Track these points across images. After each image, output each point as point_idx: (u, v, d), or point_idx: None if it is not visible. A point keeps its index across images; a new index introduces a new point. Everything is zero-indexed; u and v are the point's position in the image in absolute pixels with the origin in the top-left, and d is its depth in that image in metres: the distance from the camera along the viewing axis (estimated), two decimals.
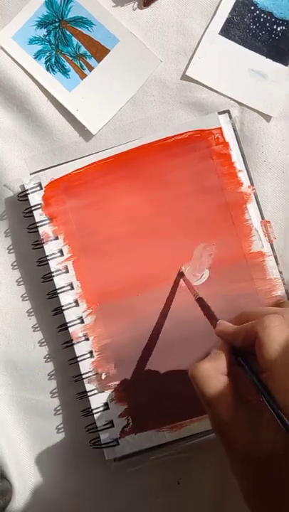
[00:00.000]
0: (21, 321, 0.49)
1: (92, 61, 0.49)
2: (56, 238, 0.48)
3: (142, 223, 0.48)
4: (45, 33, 0.49)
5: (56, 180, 0.48)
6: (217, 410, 0.34)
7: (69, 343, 0.47)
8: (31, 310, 0.49)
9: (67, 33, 0.49)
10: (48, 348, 0.49)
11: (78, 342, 0.47)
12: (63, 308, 0.47)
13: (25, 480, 0.48)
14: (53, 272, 0.47)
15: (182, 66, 0.49)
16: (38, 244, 0.48)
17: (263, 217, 0.47)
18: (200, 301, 0.43)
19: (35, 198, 0.48)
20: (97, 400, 0.47)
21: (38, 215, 0.48)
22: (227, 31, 0.48)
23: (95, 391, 0.47)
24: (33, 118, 0.49)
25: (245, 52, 0.48)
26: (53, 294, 0.47)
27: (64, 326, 0.47)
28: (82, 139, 0.49)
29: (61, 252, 0.48)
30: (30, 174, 0.48)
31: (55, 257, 0.48)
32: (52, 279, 0.47)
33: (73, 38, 0.49)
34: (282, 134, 0.48)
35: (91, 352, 0.47)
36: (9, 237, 0.50)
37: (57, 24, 0.49)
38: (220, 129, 0.47)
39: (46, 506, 0.48)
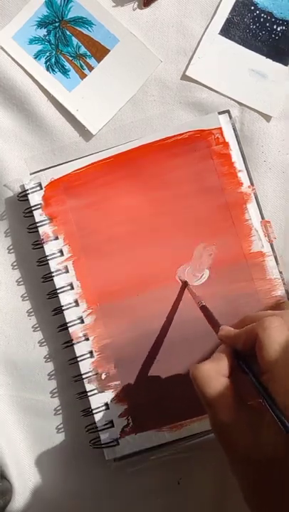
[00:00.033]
0: (21, 321, 0.49)
1: (92, 61, 0.49)
2: (56, 238, 0.48)
3: (142, 223, 0.48)
4: (45, 33, 0.49)
5: (56, 180, 0.48)
6: (217, 411, 0.34)
7: (69, 343, 0.47)
8: (31, 310, 0.49)
9: (67, 33, 0.49)
10: (48, 348, 0.49)
11: (78, 342, 0.47)
12: (63, 308, 0.47)
13: (25, 480, 0.48)
14: (53, 272, 0.47)
15: (182, 66, 0.49)
16: (38, 244, 0.48)
17: (263, 217, 0.47)
18: (203, 309, 0.43)
19: (35, 198, 0.48)
20: (97, 400, 0.47)
21: (38, 215, 0.48)
22: (227, 31, 0.48)
23: (95, 391, 0.47)
24: (33, 118, 0.49)
25: (245, 52, 0.48)
26: (53, 294, 0.47)
27: (64, 326, 0.47)
28: (82, 139, 0.49)
29: (61, 252, 0.48)
30: (30, 174, 0.49)
31: (55, 257, 0.48)
32: (52, 279, 0.47)
33: (73, 38, 0.49)
34: (282, 134, 0.48)
35: (91, 352, 0.47)
36: (9, 237, 0.50)
37: (57, 24, 0.49)
38: (220, 129, 0.47)
39: (46, 506, 0.48)
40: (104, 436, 0.46)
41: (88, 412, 0.47)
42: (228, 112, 0.48)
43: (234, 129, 0.48)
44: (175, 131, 0.48)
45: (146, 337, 0.47)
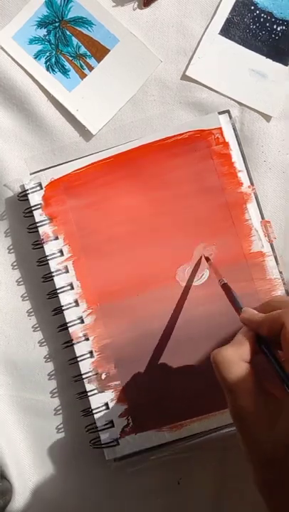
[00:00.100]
0: (21, 321, 0.49)
1: (92, 61, 0.49)
2: (56, 238, 0.48)
3: (142, 223, 0.48)
4: (45, 33, 0.49)
5: (56, 180, 0.48)
6: (237, 396, 0.34)
7: (69, 343, 0.47)
8: (31, 310, 0.49)
9: (67, 33, 0.49)
10: (48, 348, 0.49)
11: (78, 342, 0.47)
12: (63, 308, 0.47)
13: (25, 480, 0.48)
14: (53, 272, 0.47)
15: (182, 66, 0.49)
16: (38, 244, 0.48)
17: (263, 217, 0.47)
18: (225, 287, 0.42)
19: (35, 198, 0.48)
20: (97, 400, 0.47)
21: (38, 215, 0.48)
22: (227, 31, 0.48)
23: (95, 391, 0.47)
24: (33, 118, 0.49)
25: (245, 52, 0.48)
26: (53, 294, 0.47)
27: (64, 326, 0.47)
28: (82, 139, 0.49)
29: (61, 252, 0.48)
30: (30, 174, 0.48)
31: (55, 257, 0.48)
32: (52, 279, 0.47)
33: (73, 38, 0.49)
34: (282, 134, 0.48)
35: (91, 352, 0.47)
36: (9, 237, 0.50)
37: (57, 24, 0.49)
38: (220, 129, 0.47)
39: (46, 506, 0.48)
40: (104, 436, 0.46)
41: (88, 412, 0.47)
42: (228, 112, 0.48)
43: (234, 129, 0.48)
44: (175, 131, 0.47)
45: (146, 337, 0.47)
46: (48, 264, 0.48)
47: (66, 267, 0.48)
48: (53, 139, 0.49)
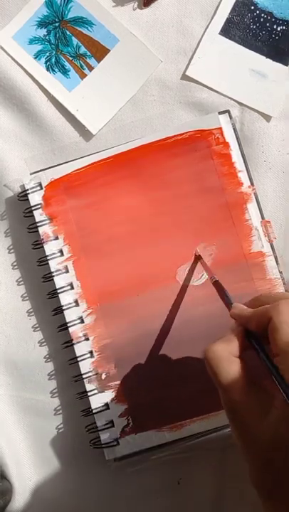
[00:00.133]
0: (21, 321, 0.49)
1: (92, 61, 0.49)
2: (56, 238, 0.48)
3: (142, 223, 0.48)
4: (45, 33, 0.49)
5: (56, 180, 0.48)
6: (229, 391, 0.35)
7: (69, 343, 0.47)
8: (31, 310, 0.49)
9: (67, 33, 0.49)
10: (48, 348, 0.49)
11: (78, 342, 0.47)
12: (63, 308, 0.47)
13: (25, 480, 0.48)
14: (53, 272, 0.47)
15: (182, 66, 0.49)
16: (38, 244, 0.48)
17: (263, 217, 0.47)
18: (216, 285, 0.43)
19: (36, 198, 0.48)
20: (97, 400, 0.47)
21: (38, 215, 0.48)
22: (227, 31, 0.48)
23: (95, 391, 0.47)
24: (33, 118, 0.49)
25: (245, 52, 0.48)
26: (53, 294, 0.47)
27: (64, 326, 0.47)
28: (82, 138, 0.49)
29: (61, 252, 0.48)
30: (31, 174, 0.48)
31: (55, 257, 0.48)
32: (52, 279, 0.47)
33: (73, 38, 0.49)
34: (282, 134, 0.48)
35: (91, 352, 0.47)
36: (9, 237, 0.50)
37: (57, 24, 0.49)
38: (220, 129, 0.47)
39: (46, 506, 0.48)
40: (104, 436, 0.46)
41: (88, 412, 0.47)
42: (228, 111, 0.48)
43: (234, 129, 0.48)
44: (175, 131, 0.48)
45: (147, 337, 0.47)
46: (48, 264, 0.48)
47: (66, 266, 0.48)
48: (53, 139, 0.49)
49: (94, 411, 0.47)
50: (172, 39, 0.49)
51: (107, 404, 0.47)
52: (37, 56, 0.49)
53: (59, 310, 0.47)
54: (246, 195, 0.47)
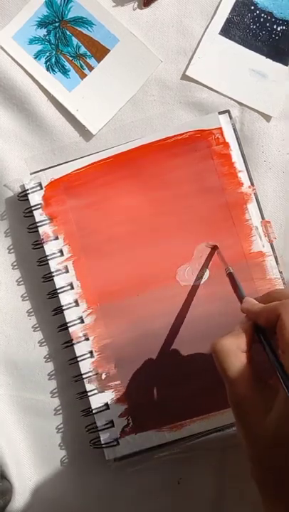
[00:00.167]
0: (21, 321, 0.49)
1: (92, 61, 0.49)
2: (56, 238, 0.48)
3: (142, 223, 0.48)
4: (45, 33, 0.49)
5: (56, 180, 0.48)
6: (236, 385, 0.35)
7: (69, 343, 0.47)
8: (31, 310, 0.49)
9: (68, 33, 0.49)
10: (48, 348, 0.49)
11: (78, 342, 0.47)
12: (63, 308, 0.47)
13: (25, 480, 0.48)
14: (53, 272, 0.47)
15: (182, 66, 0.49)
16: (38, 244, 0.48)
17: (263, 217, 0.47)
18: (230, 276, 0.43)
19: (36, 198, 0.48)
20: (97, 400, 0.47)
21: (38, 215, 0.48)
22: (227, 31, 0.48)
23: (95, 391, 0.47)
24: (33, 118, 0.49)
25: (245, 52, 0.48)
26: (53, 294, 0.47)
27: (64, 326, 0.47)
28: (82, 138, 0.49)
29: (61, 252, 0.48)
30: (31, 174, 0.48)
31: (55, 257, 0.48)
32: (52, 279, 0.47)
33: (73, 38, 0.49)
34: (282, 134, 0.48)
35: (91, 352, 0.47)
36: (9, 237, 0.50)
37: (57, 24, 0.49)
38: (220, 129, 0.47)
39: (46, 506, 0.48)
40: (104, 436, 0.46)
41: (88, 412, 0.47)
42: (228, 112, 0.48)
43: (234, 129, 0.48)
44: (175, 131, 0.47)
45: (147, 337, 0.47)
46: (48, 264, 0.48)
47: (66, 266, 0.48)
48: (53, 139, 0.49)
49: (94, 411, 0.47)
50: (172, 39, 0.49)
51: (107, 404, 0.47)
52: (37, 56, 0.49)
53: (59, 310, 0.47)
54: (246, 195, 0.47)
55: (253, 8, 0.48)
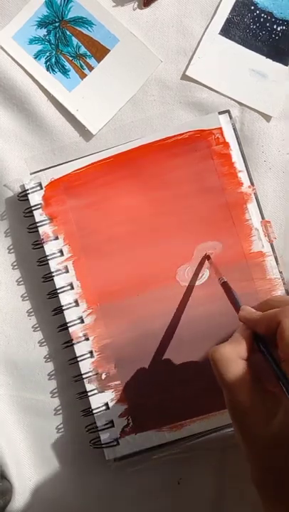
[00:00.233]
0: (21, 321, 0.49)
1: (92, 61, 0.49)
2: (56, 238, 0.48)
3: (142, 223, 0.48)
4: (45, 33, 0.49)
5: (56, 180, 0.48)
6: (235, 394, 0.35)
7: (69, 343, 0.47)
8: (31, 310, 0.49)
9: (67, 33, 0.49)
10: (48, 348, 0.49)
11: (78, 342, 0.47)
12: (63, 308, 0.47)
13: (25, 480, 0.48)
14: (53, 272, 0.47)
15: (182, 66, 0.49)
16: (38, 244, 0.48)
17: (263, 217, 0.47)
18: (225, 286, 0.43)
19: (36, 198, 0.48)
20: (97, 400, 0.47)
21: (38, 215, 0.48)
22: (227, 31, 0.48)
23: (95, 391, 0.47)
24: (33, 118, 0.49)
25: (245, 52, 0.48)
26: (53, 294, 0.47)
27: (64, 326, 0.47)
28: (82, 138, 0.49)
29: (61, 252, 0.48)
30: (31, 174, 0.48)
31: (55, 257, 0.48)
32: (52, 279, 0.47)
33: (73, 38, 0.49)
34: (282, 134, 0.48)
35: (91, 352, 0.47)
36: (9, 237, 0.50)
37: (57, 24, 0.49)
38: (220, 129, 0.47)
39: (46, 506, 0.48)
40: (104, 436, 0.46)
41: (88, 412, 0.47)
42: (228, 111, 0.48)
43: (234, 129, 0.48)
44: (175, 131, 0.47)
45: (147, 337, 0.47)
46: (48, 264, 0.48)
47: (66, 266, 0.48)
48: (53, 139, 0.49)
49: (94, 411, 0.47)
50: (172, 39, 0.49)
51: (107, 404, 0.47)
52: (37, 56, 0.49)
53: (59, 310, 0.47)
54: (246, 195, 0.47)
55: (253, 8, 0.48)
